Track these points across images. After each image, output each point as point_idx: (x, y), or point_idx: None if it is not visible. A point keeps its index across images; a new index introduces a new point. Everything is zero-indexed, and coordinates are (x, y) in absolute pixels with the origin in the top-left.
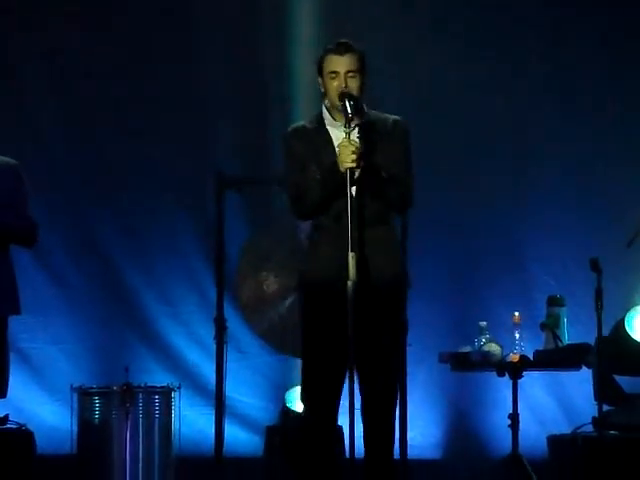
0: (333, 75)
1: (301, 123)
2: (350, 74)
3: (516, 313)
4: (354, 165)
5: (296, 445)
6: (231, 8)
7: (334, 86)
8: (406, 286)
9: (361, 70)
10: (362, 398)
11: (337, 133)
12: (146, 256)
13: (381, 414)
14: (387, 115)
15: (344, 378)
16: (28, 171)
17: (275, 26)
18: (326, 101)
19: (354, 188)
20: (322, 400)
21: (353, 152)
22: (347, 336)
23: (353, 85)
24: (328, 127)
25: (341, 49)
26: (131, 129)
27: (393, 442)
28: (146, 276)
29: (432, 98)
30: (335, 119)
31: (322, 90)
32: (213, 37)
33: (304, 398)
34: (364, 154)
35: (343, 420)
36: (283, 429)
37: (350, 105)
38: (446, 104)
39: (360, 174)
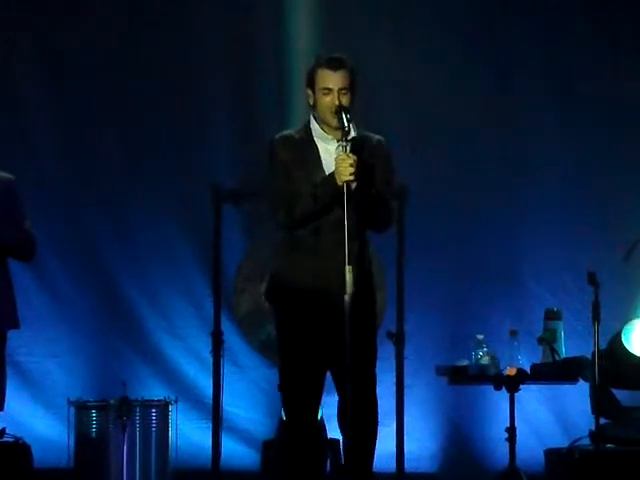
0: (326, 91)
1: (288, 132)
2: (343, 91)
3: (513, 327)
4: (352, 179)
5: (283, 452)
6: (230, 21)
7: (326, 102)
8: (374, 300)
9: (352, 86)
10: (341, 407)
11: (325, 146)
12: (143, 270)
13: (364, 425)
14: (371, 134)
15: (322, 384)
16: (23, 183)
17: (273, 40)
18: (315, 113)
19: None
20: (303, 406)
21: (351, 165)
22: (326, 345)
23: (345, 101)
24: (316, 139)
25: (335, 65)
26: (128, 143)
27: (373, 453)
28: (143, 290)
29: (427, 110)
30: (325, 132)
31: (311, 102)
32: (212, 50)
33: (285, 405)
34: (360, 168)
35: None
36: (280, 443)
37: (347, 118)
38: (441, 115)
39: (355, 189)
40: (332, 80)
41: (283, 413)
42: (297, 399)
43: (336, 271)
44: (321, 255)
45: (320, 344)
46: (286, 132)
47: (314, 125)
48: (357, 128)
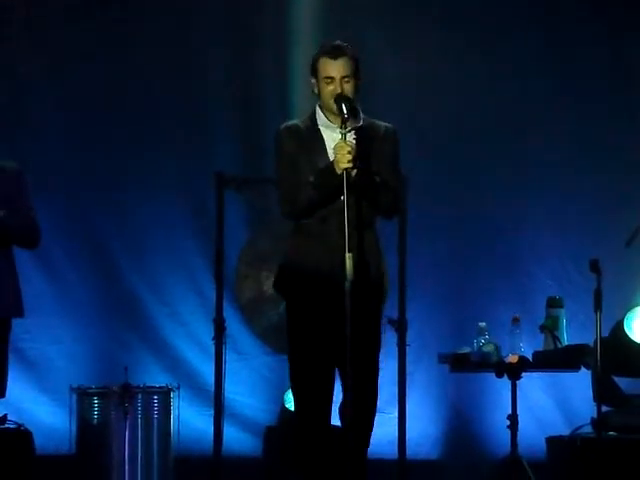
0: (328, 80)
1: (294, 122)
2: (345, 79)
3: (515, 314)
4: (350, 166)
5: (294, 445)
6: (233, 11)
7: (329, 90)
8: (381, 292)
9: (355, 74)
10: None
11: (330, 134)
12: (145, 256)
13: (362, 414)
14: (378, 122)
15: (334, 375)
16: (27, 171)
17: (276, 28)
18: (320, 102)
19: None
20: (314, 400)
21: (349, 152)
22: (336, 335)
23: (348, 88)
24: (321, 127)
25: (336, 53)
26: (131, 130)
27: (368, 442)
28: (145, 276)
29: (431, 98)
30: (330, 120)
31: (315, 91)
32: (214, 39)
33: (295, 398)
34: (360, 156)
35: None
36: (282, 429)
37: (346, 106)
38: (445, 105)
39: (355, 177)
40: (333, 68)
41: (290, 403)
42: (308, 390)
43: (344, 259)
44: (329, 243)
45: (329, 333)
46: (291, 122)
47: (319, 114)
48: (364, 115)
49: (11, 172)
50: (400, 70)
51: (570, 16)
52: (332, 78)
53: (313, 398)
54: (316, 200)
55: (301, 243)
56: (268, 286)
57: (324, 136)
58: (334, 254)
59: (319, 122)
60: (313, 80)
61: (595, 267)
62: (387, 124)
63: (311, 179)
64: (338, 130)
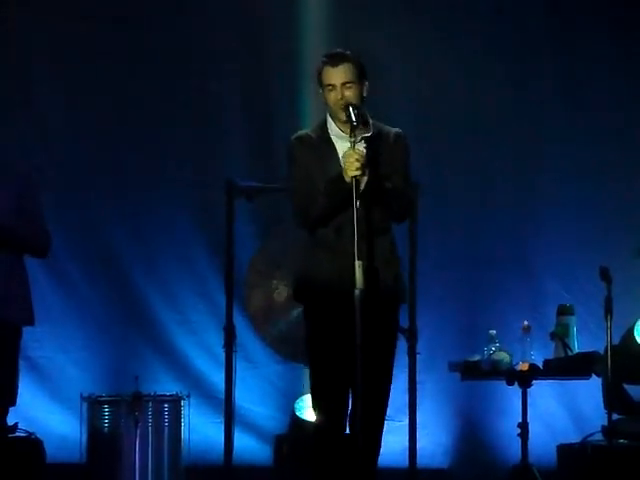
0: (330, 87)
1: (305, 132)
2: (347, 85)
3: (525, 322)
4: (358, 173)
5: (306, 453)
6: (244, 20)
7: (332, 98)
8: (401, 298)
9: (358, 79)
10: (353, 405)
11: (341, 144)
12: (156, 264)
13: (370, 423)
14: (388, 127)
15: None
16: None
17: (286, 37)
18: (328, 111)
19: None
20: (333, 408)
21: (357, 160)
22: (352, 344)
23: (350, 94)
24: (332, 137)
25: (335, 60)
26: (142, 138)
27: (378, 451)
28: (155, 284)
29: (435, 105)
30: (340, 129)
31: (323, 101)
32: (225, 48)
33: (315, 408)
34: (369, 164)
35: None
36: (292, 438)
37: (355, 114)
38: (455, 105)
39: (366, 185)
40: (334, 76)
41: (301, 411)
42: (327, 400)
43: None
44: (344, 253)
45: (347, 343)
46: (303, 132)
47: (330, 123)
48: (373, 121)
49: (23, 172)
50: (405, 71)
51: (577, 19)
52: (333, 85)
53: (333, 408)
54: (328, 209)
55: (317, 253)
56: (278, 295)
57: (336, 145)
58: (349, 263)
59: (330, 131)
60: (320, 90)
61: (605, 275)
62: (397, 129)
63: (323, 190)
64: (347, 139)
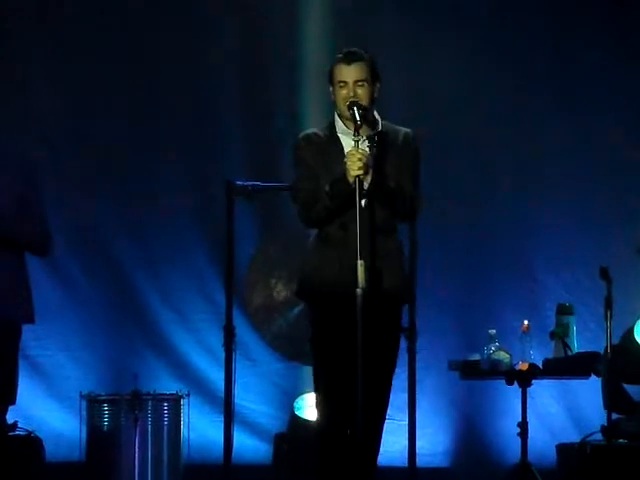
0: (342, 84)
1: (312, 130)
2: (359, 83)
3: (525, 321)
4: (361, 173)
5: (306, 452)
6: (244, 20)
7: (342, 95)
8: (406, 298)
9: (370, 79)
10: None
11: (349, 142)
12: (156, 263)
13: (370, 423)
14: (398, 127)
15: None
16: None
17: (287, 36)
18: (337, 110)
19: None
20: (337, 409)
21: (359, 159)
22: (354, 341)
23: (362, 94)
24: (340, 135)
25: (349, 58)
26: (142, 138)
27: (378, 451)
28: (156, 283)
29: (434, 102)
30: (347, 127)
31: (333, 99)
32: (225, 46)
33: (319, 408)
34: (373, 163)
35: None
36: (292, 436)
37: (359, 113)
38: (453, 106)
39: (370, 184)
40: (346, 73)
41: (300, 410)
42: (331, 400)
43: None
44: (349, 252)
45: (351, 343)
46: (310, 130)
47: (338, 122)
48: (382, 121)
49: (25, 170)
50: (409, 70)
51: (580, 19)
52: (345, 82)
53: (336, 409)
54: (332, 208)
55: (322, 251)
56: (278, 293)
57: (343, 144)
58: (354, 261)
59: (338, 130)
60: (330, 88)
61: (605, 275)
62: (407, 129)
63: (327, 188)
64: (352, 137)
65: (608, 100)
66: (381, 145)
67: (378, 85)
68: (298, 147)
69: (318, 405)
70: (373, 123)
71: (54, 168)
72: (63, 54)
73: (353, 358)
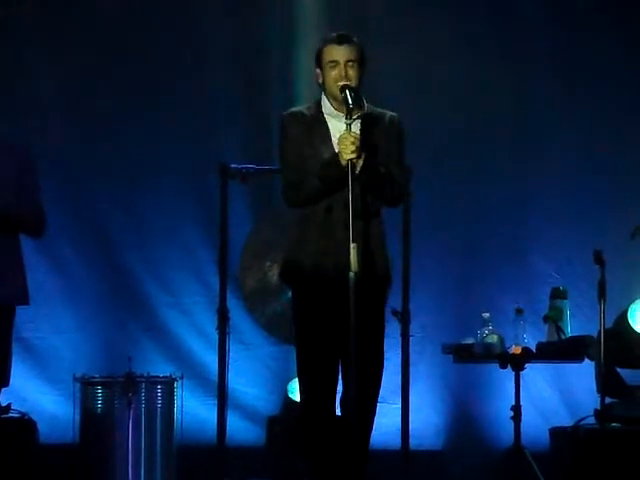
0: (332, 64)
1: (299, 108)
2: (350, 63)
3: (519, 305)
4: (354, 156)
5: (298, 434)
6: (238, 3)
7: (333, 75)
8: (390, 280)
9: (360, 61)
10: (344, 388)
11: (335, 123)
12: (149, 246)
13: (363, 405)
14: (384, 110)
15: (338, 368)
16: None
17: (282, 17)
18: (325, 92)
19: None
20: (320, 390)
21: (352, 143)
22: (341, 326)
23: (352, 74)
24: (326, 116)
25: (341, 39)
26: (135, 120)
27: (370, 433)
28: (149, 266)
29: (431, 87)
30: (335, 109)
31: (320, 82)
32: (218, 31)
33: (301, 388)
34: (364, 146)
35: None
36: (285, 419)
37: (351, 96)
38: (445, 93)
39: (360, 167)
40: (338, 53)
41: (293, 393)
42: (313, 380)
43: (348, 250)
44: (334, 234)
45: (335, 324)
46: (296, 108)
47: (325, 102)
48: (369, 104)
49: (21, 153)
50: (403, 62)
51: (583, 14)
52: (336, 62)
53: (318, 388)
54: (321, 190)
55: (306, 234)
56: (272, 276)
57: (329, 125)
58: (339, 244)
59: (325, 111)
60: (318, 70)
61: (599, 258)
62: (392, 113)
63: (317, 171)
64: (344, 120)
65: (609, 90)
66: (369, 128)
67: (364, 70)
68: (284, 123)
69: (300, 386)
70: (361, 105)
71: (46, 153)
72: (63, 48)
73: (335, 339)
